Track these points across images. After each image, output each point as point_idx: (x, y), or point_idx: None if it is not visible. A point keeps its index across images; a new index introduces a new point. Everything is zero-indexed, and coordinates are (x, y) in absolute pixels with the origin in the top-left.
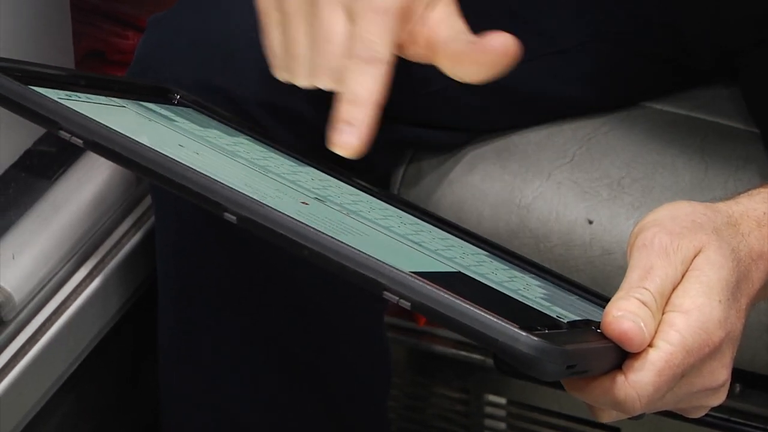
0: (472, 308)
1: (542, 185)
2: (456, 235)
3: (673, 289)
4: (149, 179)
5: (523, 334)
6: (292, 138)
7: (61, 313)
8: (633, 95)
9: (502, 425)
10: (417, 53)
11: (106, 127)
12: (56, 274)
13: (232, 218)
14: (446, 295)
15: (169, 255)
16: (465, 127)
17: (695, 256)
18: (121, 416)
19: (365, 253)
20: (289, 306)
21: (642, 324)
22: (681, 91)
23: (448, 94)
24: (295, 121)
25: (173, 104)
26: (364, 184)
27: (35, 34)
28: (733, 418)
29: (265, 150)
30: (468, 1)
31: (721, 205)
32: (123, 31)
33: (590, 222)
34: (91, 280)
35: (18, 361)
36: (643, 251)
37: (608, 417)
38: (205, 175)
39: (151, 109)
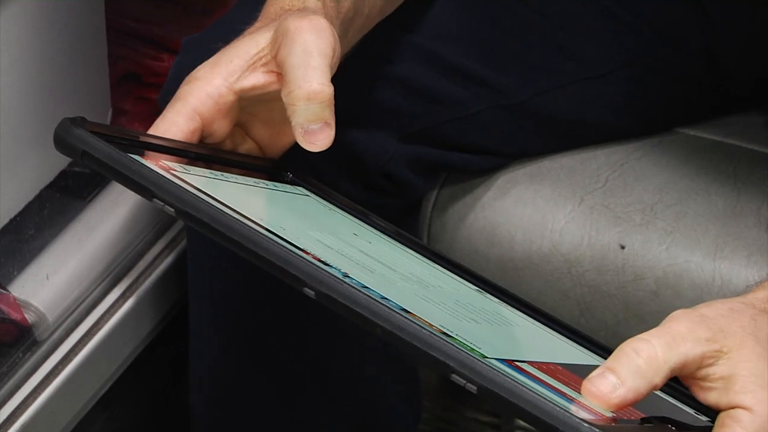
0: (534, 396)
1: (575, 210)
2: (534, 318)
3: (688, 367)
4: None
5: (585, 425)
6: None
7: (94, 334)
8: (668, 121)
9: None
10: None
11: (198, 198)
12: (90, 294)
13: (311, 293)
14: (512, 383)
15: (201, 277)
16: (498, 152)
17: (735, 348)
18: None
19: (436, 335)
20: (323, 330)
21: (613, 380)
22: (716, 117)
23: (482, 119)
24: (336, 151)
25: (284, 182)
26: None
27: (72, 57)
28: None
29: (377, 235)
30: (503, 25)
31: (750, 296)
32: (158, 53)
33: (622, 247)
34: (124, 301)
35: (51, 381)
36: (670, 321)
37: None
38: (287, 249)
39: (257, 186)
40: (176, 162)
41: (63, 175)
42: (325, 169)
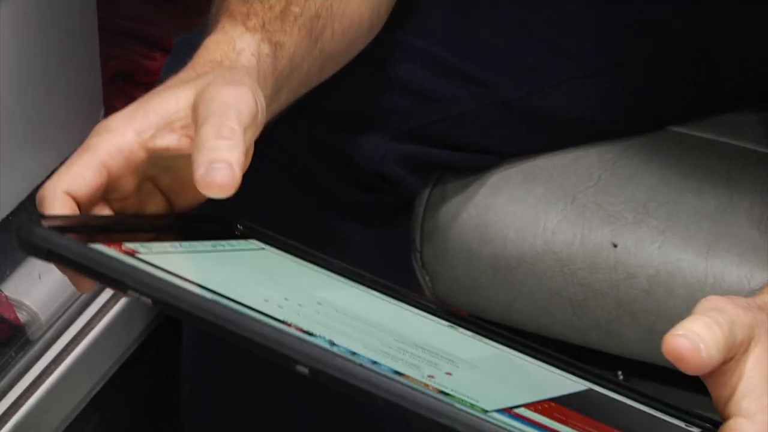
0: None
1: (567, 208)
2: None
3: (737, 347)
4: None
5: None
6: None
7: (87, 333)
8: (661, 119)
9: None
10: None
11: (179, 284)
12: (82, 294)
13: (304, 371)
14: None
15: None
16: (491, 150)
17: (750, 337)
18: None
19: (437, 397)
20: None
21: (702, 346)
22: (709, 115)
23: (475, 117)
24: (327, 150)
25: (235, 237)
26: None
27: (64, 55)
28: None
29: (343, 283)
30: (495, 24)
31: (762, 295)
32: (150, 52)
33: (615, 245)
34: (117, 301)
35: (44, 381)
36: (707, 301)
37: None
38: (273, 326)
39: (217, 250)
40: (135, 242)
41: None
42: (318, 169)
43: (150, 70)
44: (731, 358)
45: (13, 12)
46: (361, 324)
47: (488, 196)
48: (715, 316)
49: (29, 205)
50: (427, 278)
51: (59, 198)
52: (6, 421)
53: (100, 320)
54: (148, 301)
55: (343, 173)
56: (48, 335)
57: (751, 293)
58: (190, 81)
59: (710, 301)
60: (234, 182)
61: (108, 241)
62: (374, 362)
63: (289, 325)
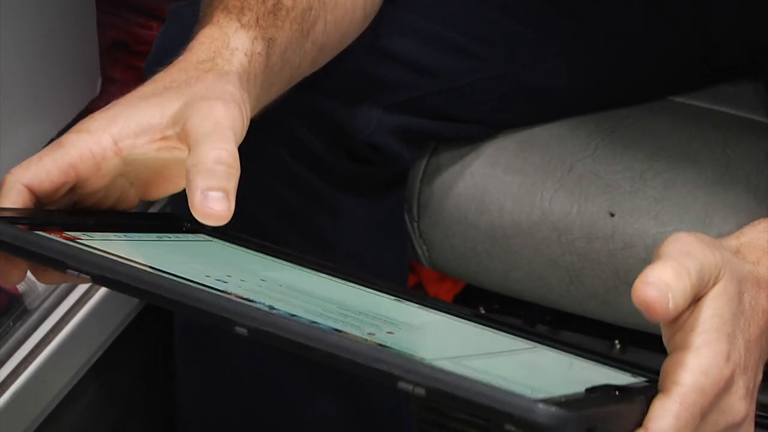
0: (484, 386)
1: (564, 178)
2: (481, 324)
3: (702, 288)
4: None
5: (541, 405)
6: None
7: (85, 303)
8: (658, 89)
9: None
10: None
11: (110, 259)
12: None
13: (243, 331)
14: (459, 378)
15: None
16: (487, 122)
17: (716, 275)
18: (145, 403)
19: (375, 347)
20: None
21: (670, 296)
22: (705, 85)
23: (471, 90)
24: (319, 121)
25: (183, 232)
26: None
27: (61, 25)
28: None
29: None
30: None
31: (727, 239)
32: (146, 21)
33: (612, 215)
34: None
35: (42, 350)
36: (676, 242)
37: None
38: (208, 292)
39: (161, 240)
40: (78, 231)
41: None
42: (311, 140)
43: (146, 39)
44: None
45: None
46: (304, 296)
47: (485, 165)
48: (685, 262)
49: None
50: (424, 248)
51: (16, 189)
52: (4, 390)
53: (97, 290)
54: (88, 278)
55: (336, 144)
56: (46, 304)
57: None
58: (178, 89)
59: (680, 242)
60: (229, 213)
61: (50, 230)
62: (313, 322)
63: (230, 293)
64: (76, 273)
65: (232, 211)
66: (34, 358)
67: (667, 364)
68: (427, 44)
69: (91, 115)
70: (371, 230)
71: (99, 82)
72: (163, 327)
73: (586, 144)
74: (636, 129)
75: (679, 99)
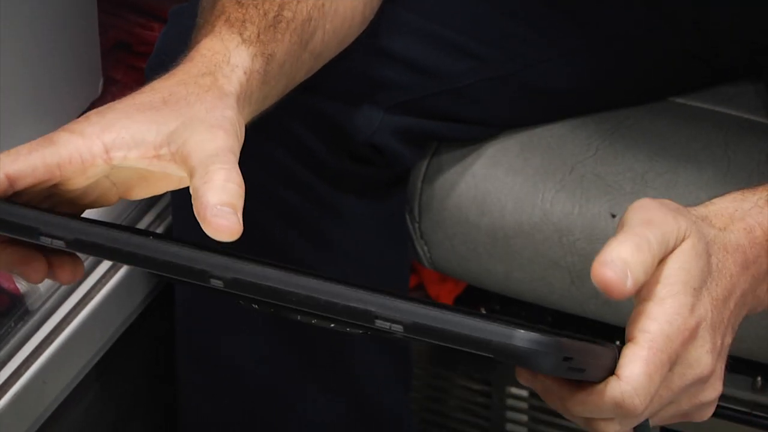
0: (462, 317)
1: (565, 179)
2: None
3: (664, 257)
4: (135, 265)
5: (519, 330)
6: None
7: (86, 304)
8: (658, 90)
9: (524, 418)
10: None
11: (84, 222)
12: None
13: (219, 283)
14: (436, 310)
15: None
16: (489, 122)
17: (682, 239)
18: (146, 404)
19: (353, 285)
20: None
21: (628, 274)
22: (706, 86)
23: (472, 91)
24: (321, 122)
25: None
26: None
27: (62, 26)
28: (755, 412)
29: None
30: (509, 1)
31: (695, 208)
32: (148, 22)
33: (613, 216)
34: (116, 271)
35: (43, 350)
36: (639, 210)
37: (615, 429)
38: (183, 248)
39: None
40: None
41: None
42: (312, 140)
43: (148, 40)
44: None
45: None
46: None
47: (486, 166)
48: (645, 233)
49: None
50: (425, 248)
51: None
52: (6, 391)
53: (99, 290)
54: (62, 243)
55: (337, 145)
56: (47, 305)
57: None
58: (176, 105)
59: (642, 210)
60: (240, 228)
61: (24, 204)
62: (295, 270)
63: (201, 248)
64: (49, 240)
65: (242, 229)
66: (36, 359)
67: (634, 315)
68: (427, 44)
69: (86, 115)
70: (372, 231)
71: (101, 83)
72: (164, 328)
73: (587, 145)
74: (637, 130)
75: (680, 100)
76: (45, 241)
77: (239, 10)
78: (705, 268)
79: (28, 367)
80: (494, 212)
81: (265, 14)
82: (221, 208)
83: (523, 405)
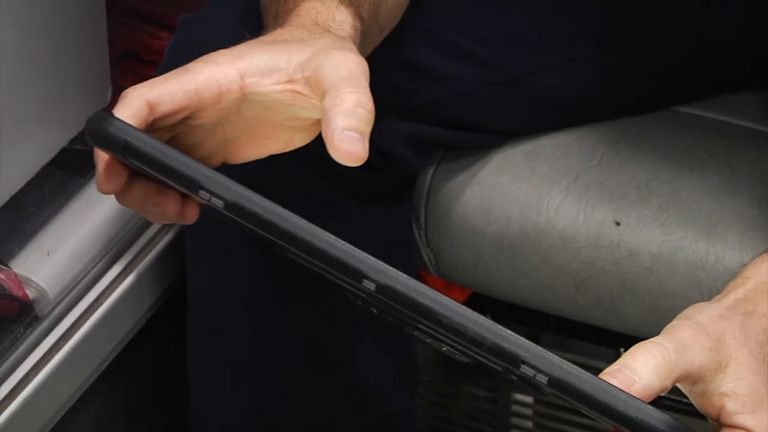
0: (610, 387)
1: (570, 187)
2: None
3: (688, 375)
4: (283, 246)
5: (663, 415)
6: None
7: (95, 310)
8: (663, 99)
9: (529, 424)
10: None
11: (247, 190)
12: (90, 270)
13: (371, 286)
14: (584, 374)
15: (197, 253)
16: (494, 130)
17: (732, 362)
18: (155, 408)
19: (500, 327)
20: (317, 303)
21: (636, 379)
22: (710, 95)
23: (477, 96)
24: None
25: None
26: None
27: (71, 34)
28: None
29: None
30: (497, 6)
31: (732, 292)
32: (157, 31)
33: (617, 224)
34: (124, 278)
35: (53, 356)
36: (676, 329)
37: None
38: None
39: None
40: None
41: (64, 152)
42: (321, 147)
43: (156, 48)
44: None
45: None
46: None
47: (492, 175)
48: (660, 340)
49: (36, 184)
50: (431, 255)
51: (137, 104)
52: (15, 396)
53: (108, 297)
54: (220, 203)
55: None
56: (56, 312)
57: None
58: (302, 41)
59: (678, 329)
60: (366, 154)
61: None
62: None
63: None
64: (208, 196)
65: (368, 154)
66: (45, 365)
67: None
68: (434, 49)
69: (217, 50)
70: (379, 238)
71: (110, 91)
72: (172, 333)
73: (591, 154)
74: (641, 139)
75: (684, 109)
76: (203, 195)
77: None
78: (762, 387)
79: (37, 373)
80: (499, 220)
81: None
82: (348, 134)
83: (529, 411)
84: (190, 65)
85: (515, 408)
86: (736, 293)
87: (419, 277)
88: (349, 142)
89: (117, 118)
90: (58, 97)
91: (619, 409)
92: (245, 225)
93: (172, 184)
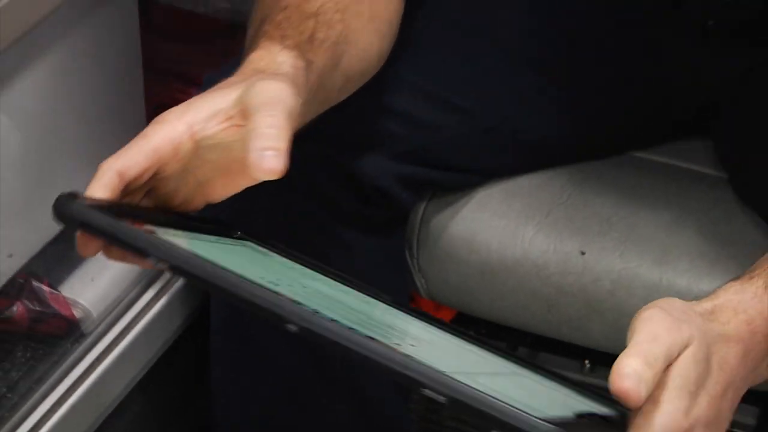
0: (506, 406)
1: (542, 222)
2: (476, 344)
3: (669, 365)
4: (225, 297)
5: (546, 423)
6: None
7: (133, 327)
8: (622, 146)
9: None
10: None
11: (192, 255)
12: (128, 294)
13: (294, 328)
14: (483, 395)
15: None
16: (476, 170)
17: (684, 348)
18: (185, 415)
19: (405, 356)
20: None
21: (642, 386)
22: (662, 141)
23: (460, 142)
24: (335, 169)
25: (233, 238)
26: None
27: (112, 91)
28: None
29: (316, 274)
30: (475, 60)
31: (702, 302)
32: (187, 88)
33: (583, 253)
34: (157, 300)
35: (96, 368)
36: (648, 322)
37: None
38: (269, 292)
39: (218, 243)
40: (152, 225)
41: None
42: (326, 184)
43: None
44: None
45: (70, 51)
46: (339, 305)
47: (475, 210)
48: (653, 349)
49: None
50: (422, 281)
51: (108, 176)
52: (63, 402)
53: (144, 316)
54: (165, 266)
55: (347, 188)
56: (99, 329)
57: (697, 298)
58: (237, 83)
59: (649, 324)
60: (282, 168)
61: (131, 221)
62: (351, 329)
63: (282, 294)
64: (156, 261)
65: (286, 168)
66: (89, 376)
67: (637, 416)
68: (422, 101)
69: (168, 110)
70: (377, 264)
71: None
72: (198, 349)
73: (560, 193)
74: (603, 180)
75: (640, 154)
76: (152, 261)
77: (278, 30)
78: (704, 372)
79: (82, 383)
80: (482, 250)
81: (301, 33)
82: (264, 153)
83: None
84: (146, 129)
85: None
86: (704, 305)
87: (412, 299)
88: (265, 160)
89: (76, 201)
90: (99, 142)
91: (503, 420)
92: (198, 284)
93: (127, 251)
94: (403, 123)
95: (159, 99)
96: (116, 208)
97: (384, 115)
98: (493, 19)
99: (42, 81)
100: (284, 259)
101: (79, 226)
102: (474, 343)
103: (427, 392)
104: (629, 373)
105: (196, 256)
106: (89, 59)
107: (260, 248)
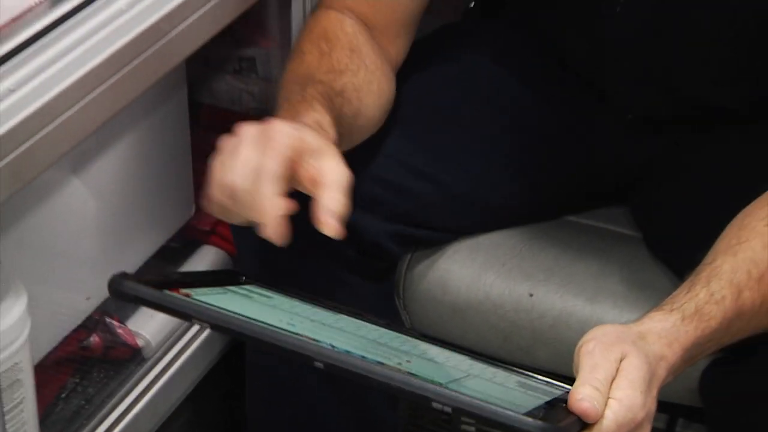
0: (497, 408)
1: (500, 270)
2: (451, 350)
3: (612, 380)
4: (262, 348)
5: (540, 423)
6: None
7: (183, 353)
8: (559, 212)
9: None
10: (304, 188)
11: (225, 313)
12: (179, 327)
13: (320, 365)
14: (480, 402)
15: None
16: (449, 229)
17: (622, 360)
18: (227, 426)
19: (411, 375)
20: None
21: (595, 403)
22: (591, 208)
23: (436, 207)
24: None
25: (240, 284)
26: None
27: (166, 171)
28: None
29: (330, 313)
30: (446, 140)
31: (633, 326)
32: None
33: (531, 295)
34: (203, 331)
35: (154, 385)
36: (588, 356)
37: None
38: (294, 336)
39: (237, 292)
40: (186, 288)
41: (163, 248)
42: (335, 240)
43: None
44: None
45: (136, 139)
46: (343, 333)
47: (447, 262)
48: (595, 378)
49: (144, 269)
50: (407, 316)
51: (274, 199)
52: (128, 412)
53: (192, 344)
54: (207, 326)
55: (350, 243)
56: (157, 354)
57: (627, 322)
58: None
59: (588, 356)
60: (341, 233)
61: (170, 288)
62: (364, 357)
63: (302, 335)
64: (199, 322)
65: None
66: (148, 392)
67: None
68: (407, 172)
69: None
70: (372, 303)
71: (192, 210)
72: (237, 369)
73: (513, 248)
74: (547, 238)
75: (574, 218)
76: (195, 323)
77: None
78: (646, 376)
79: (143, 397)
80: (453, 292)
81: (332, 109)
82: (333, 216)
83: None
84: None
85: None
86: (635, 329)
87: None
88: (333, 223)
89: (125, 281)
90: (151, 215)
91: (498, 421)
92: (235, 337)
93: (174, 317)
94: (392, 191)
95: (202, 180)
96: (155, 280)
97: (378, 183)
98: (465, 107)
99: (114, 162)
100: (285, 298)
101: (133, 300)
102: (438, 345)
103: (435, 405)
104: (584, 398)
105: (231, 315)
106: (150, 146)
107: (266, 291)
